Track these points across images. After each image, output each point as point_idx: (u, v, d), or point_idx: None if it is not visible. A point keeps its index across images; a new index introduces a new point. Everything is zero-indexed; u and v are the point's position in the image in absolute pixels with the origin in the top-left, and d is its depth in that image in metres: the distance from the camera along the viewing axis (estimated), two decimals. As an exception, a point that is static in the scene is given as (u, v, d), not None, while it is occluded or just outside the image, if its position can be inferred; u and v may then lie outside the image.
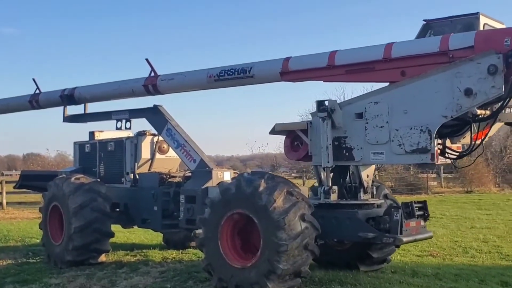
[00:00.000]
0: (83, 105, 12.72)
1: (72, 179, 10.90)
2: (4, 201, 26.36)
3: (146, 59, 11.06)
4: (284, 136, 9.20)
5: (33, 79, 13.28)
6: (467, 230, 15.46)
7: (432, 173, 36.52)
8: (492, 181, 34.32)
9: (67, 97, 12.40)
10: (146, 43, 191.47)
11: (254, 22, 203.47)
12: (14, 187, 15.07)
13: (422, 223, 8.29)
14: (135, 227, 12.35)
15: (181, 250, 12.49)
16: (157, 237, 14.23)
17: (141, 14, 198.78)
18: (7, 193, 26.37)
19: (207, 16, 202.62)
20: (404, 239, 7.84)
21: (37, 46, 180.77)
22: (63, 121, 12.85)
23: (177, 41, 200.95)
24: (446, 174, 37.21)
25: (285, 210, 7.70)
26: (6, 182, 27.11)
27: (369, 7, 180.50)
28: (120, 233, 14.13)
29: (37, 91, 13.18)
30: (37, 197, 25.27)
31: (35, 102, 13.14)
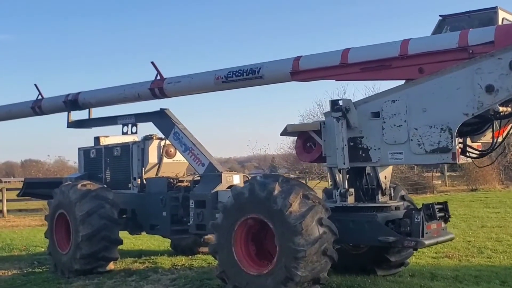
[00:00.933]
0: (87, 110, 12.47)
1: (79, 185, 10.66)
2: (5, 209, 26.07)
3: (152, 62, 10.85)
4: (296, 137, 8.97)
5: (35, 85, 13.07)
6: (479, 230, 15.23)
7: (436, 171, 36.34)
8: (496, 179, 34.15)
9: (71, 103, 12.14)
10: (150, 42, 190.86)
11: (259, 20, 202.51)
12: (18, 195, 14.81)
13: (443, 224, 8.04)
14: (143, 233, 12.10)
15: (190, 256, 12.24)
16: (164, 243, 13.99)
17: (143, 13, 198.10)
18: (7, 200, 26.09)
19: (210, 14, 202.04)
20: (426, 242, 7.59)
21: (35, 51, 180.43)
22: (67, 127, 12.58)
23: (181, 40, 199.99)
24: (450, 173, 37.05)
25: (301, 214, 7.44)
26: (7, 189, 26.85)
27: (370, 7, 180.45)
28: (127, 240, 13.86)
29: (40, 97, 12.94)
30: (38, 204, 25.06)
31: (37, 108, 12.89)
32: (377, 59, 7.99)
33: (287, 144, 38.97)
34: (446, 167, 35.25)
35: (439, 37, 7.77)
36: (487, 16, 7.71)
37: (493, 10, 7.69)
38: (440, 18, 8.05)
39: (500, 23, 7.58)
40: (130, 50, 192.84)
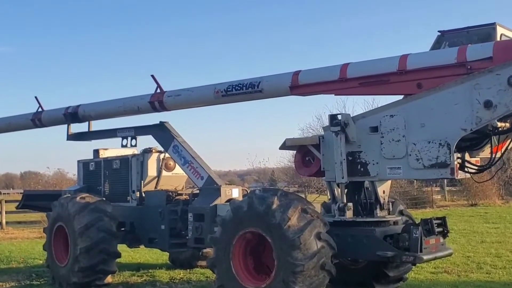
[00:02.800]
0: (87, 122, 12.50)
1: (78, 198, 10.65)
2: (4, 221, 25.99)
3: (152, 76, 10.90)
4: (295, 151, 8.98)
5: (36, 97, 13.11)
6: (478, 245, 15.19)
7: (435, 186, 36.31)
8: (496, 194, 34.09)
9: (71, 115, 12.18)
10: (150, 55, 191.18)
11: (259, 34, 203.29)
12: (17, 207, 14.79)
13: (442, 240, 8.04)
14: (141, 246, 12.07)
15: (188, 270, 12.20)
16: (162, 256, 13.95)
17: (144, 25, 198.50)
18: (6, 212, 26.03)
19: (210, 28, 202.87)
20: (424, 257, 7.59)
21: (36, 64, 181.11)
22: (67, 139, 12.61)
23: (181, 53, 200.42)
24: (450, 187, 37.03)
25: (300, 228, 7.45)
26: (6, 201, 26.80)
27: (369, 21, 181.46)
28: (125, 253, 13.77)
29: (40, 109, 12.98)
30: (37, 216, 24.96)
31: (37, 120, 12.92)
32: (376, 74, 8.03)
33: (287, 157, 38.92)
34: (445, 182, 35.23)
35: (437, 52, 7.82)
36: (486, 32, 7.77)
37: (492, 26, 7.75)
38: (439, 33, 8.10)
39: (498, 39, 7.64)
40: (130, 62, 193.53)
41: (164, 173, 11.59)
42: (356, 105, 68.40)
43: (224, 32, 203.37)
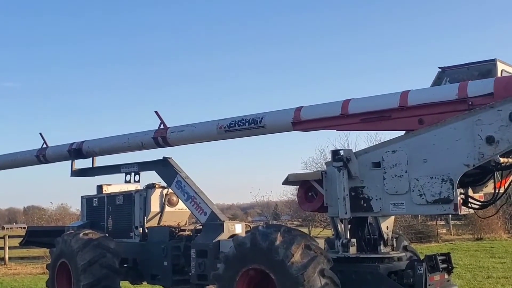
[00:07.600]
0: (90, 158, 12.56)
1: (81, 234, 10.65)
2: (7, 257, 25.88)
3: (156, 112, 10.99)
4: (298, 187, 8.98)
5: (40, 134, 13.23)
6: (484, 280, 15.02)
7: (440, 220, 36.09)
8: (502, 228, 33.83)
9: (75, 151, 12.25)
10: (154, 89, 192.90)
11: (262, 69, 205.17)
12: (20, 243, 14.76)
13: (446, 276, 7.97)
14: (144, 283, 11.98)
15: (191, 307, 12.04)
16: (165, 293, 13.79)
17: (147, 60, 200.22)
18: (9, 247, 25.94)
19: (214, 63, 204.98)
20: (429, 294, 7.51)
21: (40, 99, 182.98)
22: (71, 175, 12.67)
23: (184, 88, 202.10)
24: (455, 221, 36.79)
25: (303, 265, 7.39)
26: (9, 237, 26.73)
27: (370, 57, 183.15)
28: (127, 289, 13.72)
29: (44, 146, 13.06)
30: (40, 251, 24.89)
31: (42, 156, 13.00)
32: (377, 110, 8.08)
33: (290, 191, 38.84)
34: (450, 216, 35.02)
35: (438, 88, 7.87)
36: (486, 68, 7.83)
37: (492, 62, 7.82)
38: (440, 69, 8.18)
39: (499, 74, 7.70)
40: (133, 97, 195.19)
41: (167, 208, 11.59)
42: (359, 138, 68.32)
43: (227, 67, 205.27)
